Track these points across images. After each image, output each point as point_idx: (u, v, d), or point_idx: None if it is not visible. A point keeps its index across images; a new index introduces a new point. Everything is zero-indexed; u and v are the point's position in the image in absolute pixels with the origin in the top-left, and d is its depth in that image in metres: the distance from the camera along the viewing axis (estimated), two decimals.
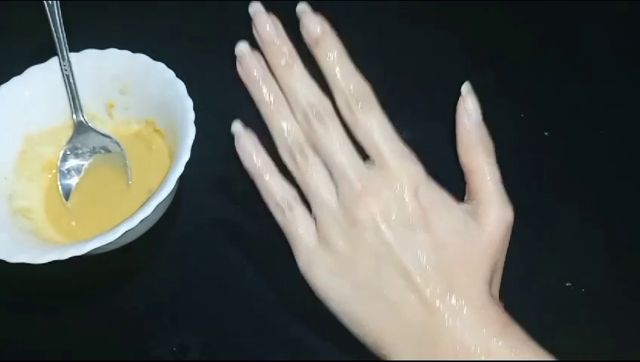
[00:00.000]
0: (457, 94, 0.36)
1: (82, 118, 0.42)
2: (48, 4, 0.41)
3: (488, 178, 0.35)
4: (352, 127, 0.35)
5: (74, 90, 0.42)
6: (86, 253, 0.34)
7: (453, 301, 0.32)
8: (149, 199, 0.35)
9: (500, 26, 0.50)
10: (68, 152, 0.42)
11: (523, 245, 0.40)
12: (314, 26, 0.35)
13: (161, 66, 0.40)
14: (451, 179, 0.36)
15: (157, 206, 0.35)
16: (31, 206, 0.41)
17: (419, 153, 0.35)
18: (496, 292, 0.35)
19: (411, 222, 0.33)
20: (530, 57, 0.48)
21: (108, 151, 0.43)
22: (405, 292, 0.33)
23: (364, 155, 0.35)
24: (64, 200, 0.42)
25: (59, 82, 0.42)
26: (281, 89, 0.37)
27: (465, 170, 0.36)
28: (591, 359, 0.35)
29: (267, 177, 0.37)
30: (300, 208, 0.37)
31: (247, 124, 0.38)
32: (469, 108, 0.36)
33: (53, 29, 0.41)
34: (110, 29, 0.48)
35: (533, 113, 0.45)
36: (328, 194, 0.35)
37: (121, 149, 0.42)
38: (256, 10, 0.36)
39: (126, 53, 0.41)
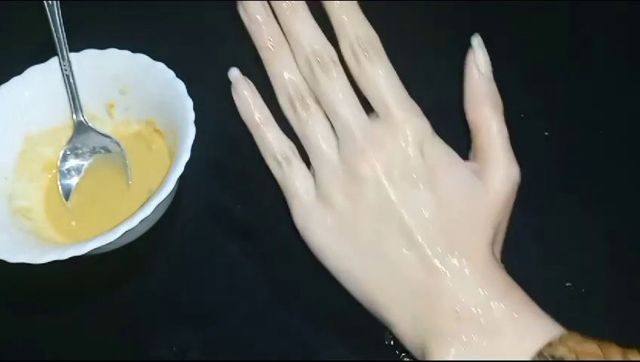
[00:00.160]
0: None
1: (82, 118, 0.42)
2: (48, 4, 0.41)
3: (496, 135, 0.34)
4: (357, 77, 0.34)
5: (74, 90, 0.42)
6: (86, 253, 0.34)
7: (455, 261, 0.31)
8: (149, 199, 0.35)
9: (499, 25, 0.50)
10: (68, 152, 0.42)
11: (523, 245, 0.40)
12: None
13: (161, 66, 0.40)
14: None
15: (157, 206, 0.35)
16: (31, 206, 0.41)
17: (425, 111, 0.34)
18: (498, 254, 0.34)
19: (415, 178, 0.32)
20: (530, 57, 0.48)
21: (108, 151, 0.43)
22: (406, 251, 0.32)
23: (368, 109, 0.35)
24: (64, 200, 0.42)
25: (59, 82, 0.42)
26: (285, 35, 0.35)
27: (471, 126, 0.35)
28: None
29: (265, 128, 0.36)
30: (298, 162, 0.35)
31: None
32: (479, 61, 0.35)
33: (53, 29, 0.41)
34: (110, 29, 0.48)
35: (533, 113, 0.45)
36: (329, 147, 0.34)
37: (121, 149, 0.42)
38: None
39: (126, 53, 0.41)
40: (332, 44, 0.35)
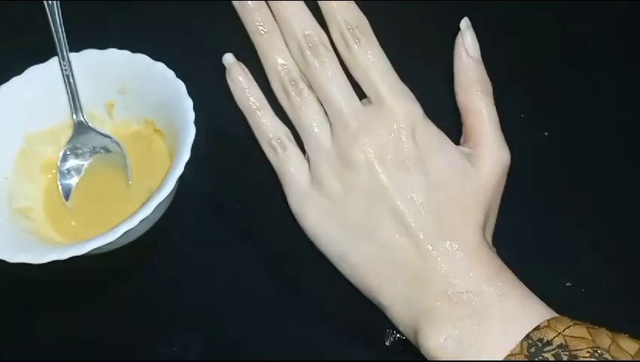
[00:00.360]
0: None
1: (82, 118, 0.42)
2: (48, 4, 0.41)
3: (486, 118, 0.34)
4: (348, 62, 0.34)
5: (74, 90, 0.42)
6: (86, 253, 0.34)
7: (446, 244, 0.32)
8: (149, 199, 0.35)
9: (499, 25, 0.50)
10: (68, 152, 0.42)
11: (523, 245, 0.40)
12: None
13: (161, 66, 0.40)
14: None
15: (157, 206, 0.35)
16: (31, 206, 0.41)
17: (416, 94, 0.34)
18: (489, 237, 0.34)
19: (407, 163, 0.32)
20: (529, 57, 0.48)
21: (108, 151, 0.43)
22: (398, 235, 0.32)
23: (360, 94, 0.35)
24: (64, 200, 0.42)
25: (59, 82, 0.42)
26: (276, 20, 0.35)
27: (462, 109, 0.35)
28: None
29: (260, 113, 0.36)
30: (293, 147, 0.36)
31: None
32: (467, 44, 0.35)
33: (53, 29, 0.41)
34: (110, 29, 0.48)
35: (533, 113, 0.45)
36: (322, 132, 0.34)
37: (121, 149, 0.42)
38: None
39: (126, 53, 0.41)
40: (324, 29, 0.35)
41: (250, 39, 0.36)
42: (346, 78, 0.34)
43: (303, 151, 0.36)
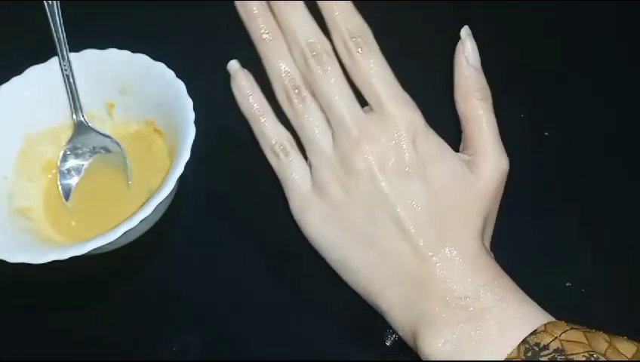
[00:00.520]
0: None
1: (82, 118, 0.42)
2: (48, 4, 0.41)
3: (485, 126, 0.35)
4: (350, 70, 0.34)
5: (74, 90, 0.42)
6: (86, 253, 0.34)
7: (446, 250, 0.32)
8: (149, 199, 0.35)
9: (499, 25, 0.50)
10: (68, 152, 0.42)
11: (523, 245, 0.40)
12: None
13: (161, 66, 0.40)
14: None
15: (157, 206, 0.35)
16: (31, 206, 0.41)
17: (417, 101, 0.34)
18: (488, 243, 0.35)
19: (408, 170, 0.33)
20: (530, 57, 0.48)
21: (108, 151, 0.43)
22: (398, 241, 0.33)
23: (362, 100, 0.35)
24: (64, 200, 0.42)
25: (59, 82, 0.42)
26: (280, 28, 0.35)
27: (461, 117, 0.35)
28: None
29: (263, 120, 0.36)
30: (295, 153, 0.36)
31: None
32: (467, 52, 0.35)
33: (53, 29, 0.41)
34: (110, 29, 0.48)
35: (533, 113, 0.45)
36: (324, 139, 0.34)
37: (121, 149, 0.42)
38: None
39: (126, 53, 0.41)
40: (326, 35, 0.35)
41: (252, 45, 0.36)
42: (348, 85, 0.34)
43: (306, 157, 0.36)
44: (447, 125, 0.35)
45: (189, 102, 0.38)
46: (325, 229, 0.34)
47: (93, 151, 0.43)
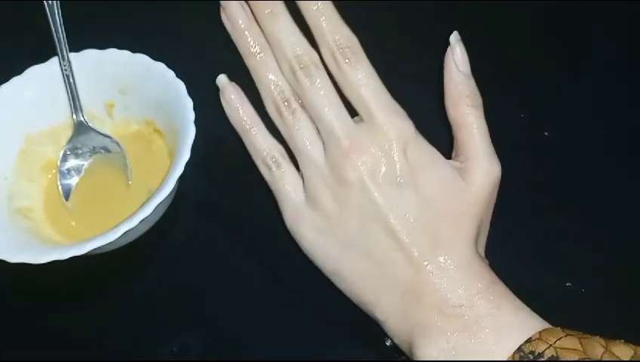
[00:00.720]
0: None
1: (82, 118, 0.42)
2: (48, 4, 0.41)
3: (476, 133, 0.35)
4: (339, 81, 0.34)
5: (74, 90, 0.42)
6: (86, 253, 0.34)
7: (440, 259, 0.32)
8: (149, 199, 0.35)
9: (500, 25, 0.50)
10: (68, 152, 0.42)
11: (523, 245, 0.40)
12: None
13: (161, 66, 0.40)
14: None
15: (157, 206, 0.35)
16: (31, 206, 0.41)
17: (407, 108, 0.34)
18: (482, 250, 0.35)
19: (399, 180, 0.33)
20: (530, 57, 0.48)
21: (108, 151, 0.43)
22: (392, 252, 0.33)
23: (352, 109, 0.35)
24: (64, 200, 0.42)
25: (59, 82, 0.42)
26: (267, 40, 0.35)
27: (452, 124, 0.35)
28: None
29: (253, 132, 0.36)
30: (287, 165, 0.36)
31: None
32: (457, 58, 0.35)
33: (53, 29, 0.41)
34: (110, 29, 0.48)
35: (533, 113, 0.45)
36: (315, 151, 0.34)
37: (121, 149, 0.42)
38: None
39: (126, 53, 0.41)
40: (314, 46, 0.35)
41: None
42: (337, 96, 0.34)
43: (298, 168, 0.36)
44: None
45: (189, 102, 0.38)
46: (319, 240, 0.34)
47: (93, 151, 0.43)
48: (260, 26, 0.36)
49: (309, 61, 0.34)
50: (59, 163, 0.42)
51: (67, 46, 0.41)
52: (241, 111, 0.37)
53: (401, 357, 0.35)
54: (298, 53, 0.34)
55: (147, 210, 0.34)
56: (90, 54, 0.42)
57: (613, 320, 0.37)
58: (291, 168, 0.36)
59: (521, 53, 0.48)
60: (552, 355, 0.29)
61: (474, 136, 0.35)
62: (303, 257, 0.37)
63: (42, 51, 0.42)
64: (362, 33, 0.35)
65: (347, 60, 0.34)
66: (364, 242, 0.33)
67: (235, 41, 0.36)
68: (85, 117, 0.42)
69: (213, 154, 0.43)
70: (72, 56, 0.42)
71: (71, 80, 0.42)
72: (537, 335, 0.29)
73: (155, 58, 0.41)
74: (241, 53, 0.36)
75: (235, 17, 0.36)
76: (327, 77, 0.35)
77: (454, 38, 0.35)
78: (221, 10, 0.36)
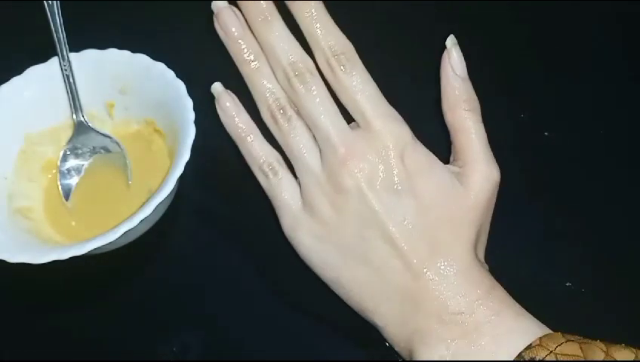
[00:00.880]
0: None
1: (82, 118, 0.42)
2: (48, 4, 0.41)
3: (474, 137, 0.34)
4: (334, 87, 0.34)
5: (74, 90, 0.42)
6: (86, 253, 0.34)
7: (439, 265, 0.32)
8: (149, 199, 0.35)
9: (500, 25, 0.50)
10: (68, 152, 0.42)
11: (523, 245, 0.40)
12: None
13: (161, 66, 0.40)
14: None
15: (157, 206, 0.35)
16: (31, 206, 0.41)
17: (405, 110, 0.34)
18: (481, 255, 0.35)
19: (396, 187, 0.33)
20: (530, 57, 0.48)
21: (108, 151, 0.43)
22: (390, 258, 0.32)
23: (349, 116, 0.35)
24: (64, 200, 0.42)
25: (59, 82, 0.42)
26: (261, 48, 0.35)
27: (450, 128, 0.35)
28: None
29: (250, 140, 0.36)
30: (284, 172, 0.36)
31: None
32: (454, 62, 0.35)
33: (53, 29, 0.41)
34: (110, 29, 0.48)
35: (533, 113, 0.45)
36: (312, 158, 0.34)
37: (121, 149, 0.42)
38: None
39: (126, 53, 0.41)
40: (308, 52, 0.35)
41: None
42: (333, 102, 0.34)
43: (295, 175, 0.36)
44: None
45: (189, 102, 0.38)
46: (317, 247, 0.34)
47: (93, 151, 0.43)
48: (253, 33, 0.36)
49: (303, 68, 0.34)
50: (59, 163, 0.42)
51: (67, 46, 0.41)
52: (237, 119, 0.37)
53: (400, 357, 0.35)
54: (292, 60, 0.34)
55: (147, 210, 0.34)
56: (90, 54, 0.42)
57: (613, 320, 0.37)
58: (288, 175, 0.36)
59: (522, 53, 0.48)
60: (553, 361, 0.29)
61: (472, 140, 0.34)
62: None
63: (42, 51, 0.42)
64: (361, 34, 0.35)
65: (342, 67, 0.34)
66: (362, 249, 0.33)
67: (228, 49, 0.36)
68: (85, 117, 0.42)
69: (213, 154, 0.43)
70: (72, 56, 0.42)
71: (71, 80, 0.42)
72: (538, 342, 0.29)
73: (155, 58, 0.41)
74: (235, 61, 0.36)
75: (228, 25, 0.35)
76: (322, 83, 0.34)
77: (451, 41, 0.35)
78: (214, 18, 0.36)
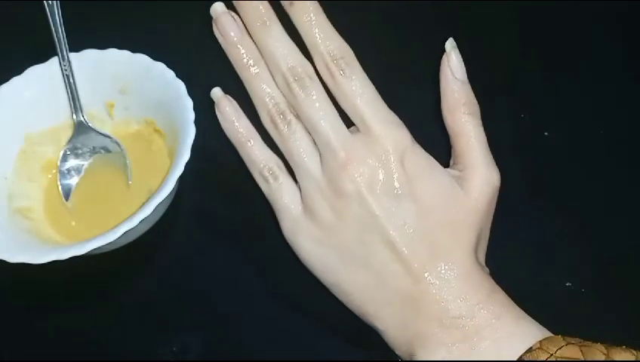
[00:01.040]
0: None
1: (82, 118, 0.42)
2: (48, 4, 0.41)
3: (474, 141, 0.34)
4: (334, 92, 0.34)
5: (74, 90, 0.42)
6: (86, 253, 0.34)
7: (439, 269, 0.32)
8: (149, 199, 0.35)
9: (500, 25, 0.50)
10: (68, 152, 0.42)
11: (523, 245, 0.40)
12: None
13: (161, 66, 0.40)
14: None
15: (157, 206, 0.35)
16: (31, 206, 0.41)
17: (405, 117, 0.34)
18: (482, 258, 0.35)
19: (396, 191, 0.33)
20: (530, 57, 0.48)
21: (108, 151, 0.43)
22: (391, 263, 0.32)
23: (348, 120, 0.35)
24: (64, 200, 0.42)
25: (59, 82, 0.42)
26: (260, 52, 0.35)
27: (450, 132, 0.35)
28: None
29: (250, 145, 0.36)
30: (284, 177, 0.36)
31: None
32: (453, 65, 0.35)
33: (53, 29, 0.41)
34: (110, 29, 0.48)
35: (533, 113, 0.45)
36: (312, 162, 0.34)
37: (121, 149, 0.42)
38: None
39: (126, 53, 0.41)
40: (307, 56, 0.35)
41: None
42: (333, 107, 0.34)
43: (295, 179, 0.36)
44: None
45: (189, 102, 0.38)
46: (317, 252, 0.34)
47: (93, 151, 0.43)
48: (252, 38, 0.36)
49: (302, 73, 0.34)
50: (59, 163, 0.42)
51: (67, 46, 0.41)
52: (236, 124, 0.37)
53: (399, 358, 0.35)
54: (292, 65, 0.34)
55: (147, 210, 0.34)
56: (90, 54, 0.42)
57: (613, 320, 0.37)
58: (288, 180, 0.36)
59: (522, 53, 0.48)
60: None
61: (472, 144, 0.34)
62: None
63: (42, 51, 0.42)
64: (358, 35, 0.35)
65: (341, 71, 0.34)
66: (362, 253, 0.33)
67: (227, 54, 0.36)
68: (85, 117, 0.42)
69: (213, 154, 0.43)
70: (72, 56, 0.42)
71: (71, 80, 0.42)
72: (538, 345, 0.29)
73: (155, 58, 0.41)
74: (235, 65, 0.36)
75: (227, 30, 0.35)
76: (321, 88, 0.34)
77: (450, 44, 0.35)
78: (213, 23, 0.36)
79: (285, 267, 0.40)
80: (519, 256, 0.39)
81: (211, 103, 0.39)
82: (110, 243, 0.34)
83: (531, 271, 0.39)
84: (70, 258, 0.34)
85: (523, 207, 0.41)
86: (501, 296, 0.32)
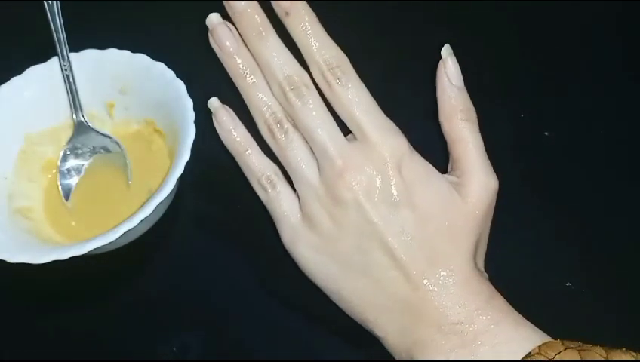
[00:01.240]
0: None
1: (82, 118, 0.42)
2: (48, 4, 0.41)
3: (471, 147, 0.34)
4: (331, 100, 0.34)
5: (74, 90, 0.42)
6: (86, 253, 0.34)
7: (438, 276, 0.32)
8: (149, 199, 0.35)
9: (500, 25, 0.50)
10: (68, 152, 0.42)
11: (523, 245, 0.40)
12: None
13: (161, 66, 0.40)
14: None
15: (157, 206, 0.35)
16: (31, 206, 0.41)
17: (402, 124, 0.34)
18: (481, 264, 0.35)
19: (394, 199, 0.33)
20: (530, 57, 0.48)
21: (108, 151, 0.43)
22: (389, 270, 0.32)
23: (346, 128, 0.35)
24: (64, 200, 0.42)
25: (59, 82, 0.42)
26: (257, 61, 0.35)
27: (447, 138, 0.35)
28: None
29: (247, 153, 0.36)
30: (282, 185, 0.36)
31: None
32: (449, 72, 0.35)
33: (53, 29, 0.41)
34: (110, 29, 0.48)
35: (533, 113, 0.45)
36: (310, 171, 0.34)
37: (121, 149, 0.42)
38: None
39: (126, 53, 0.41)
40: (303, 65, 0.35)
41: None
42: (329, 115, 0.34)
43: (293, 187, 0.36)
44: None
45: (189, 102, 0.38)
46: (317, 260, 0.34)
47: (93, 151, 0.43)
48: (248, 48, 0.36)
49: (299, 82, 0.34)
50: (59, 163, 0.42)
51: (67, 46, 0.41)
52: (234, 133, 0.37)
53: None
54: (288, 74, 0.34)
55: (147, 210, 0.34)
56: (90, 54, 0.42)
57: (613, 321, 0.37)
58: (287, 188, 0.36)
59: (522, 53, 0.48)
60: None
61: (469, 150, 0.34)
62: None
63: (42, 51, 0.42)
64: (351, 49, 0.35)
65: (338, 80, 0.33)
66: (361, 261, 0.33)
67: (224, 64, 0.36)
68: (85, 117, 0.42)
69: (213, 154, 0.43)
70: (72, 56, 0.42)
71: (71, 80, 0.42)
72: (537, 350, 0.29)
73: (155, 58, 0.41)
74: (231, 75, 0.36)
75: (223, 40, 0.35)
76: (318, 97, 0.34)
77: (446, 51, 0.35)
78: (209, 34, 0.36)
79: (285, 267, 0.40)
80: (519, 256, 0.39)
81: None
82: (110, 243, 0.34)
83: (531, 272, 0.39)
84: (70, 258, 0.34)
85: (523, 207, 0.41)
86: (500, 302, 0.32)
